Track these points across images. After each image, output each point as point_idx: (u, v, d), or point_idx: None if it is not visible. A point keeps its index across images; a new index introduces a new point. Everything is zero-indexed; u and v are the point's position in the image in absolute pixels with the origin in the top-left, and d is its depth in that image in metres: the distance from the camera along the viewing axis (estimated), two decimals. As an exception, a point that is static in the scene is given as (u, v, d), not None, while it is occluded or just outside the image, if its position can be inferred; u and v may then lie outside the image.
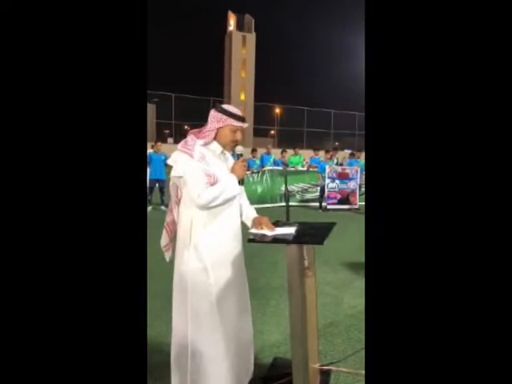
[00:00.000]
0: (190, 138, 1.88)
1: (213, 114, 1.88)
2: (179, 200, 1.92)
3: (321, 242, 1.71)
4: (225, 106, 1.91)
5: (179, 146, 1.87)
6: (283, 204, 9.08)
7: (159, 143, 8.91)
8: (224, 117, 1.86)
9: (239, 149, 1.99)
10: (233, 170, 1.90)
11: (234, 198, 1.90)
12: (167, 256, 2.06)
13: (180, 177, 1.84)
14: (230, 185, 1.84)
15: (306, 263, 1.86)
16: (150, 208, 8.41)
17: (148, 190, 8.51)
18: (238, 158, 1.97)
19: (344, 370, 2.28)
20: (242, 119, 1.90)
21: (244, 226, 2.03)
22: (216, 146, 1.92)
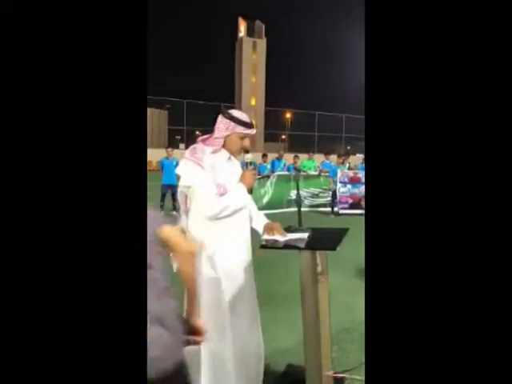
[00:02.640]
0: (199, 146, 1.86)
1: (220, 120, 1.86)
2: (187, 209, 1.89)
3: (334, 248, 1.69)
4: (232, 112, 1.88)
5: (187, 153, 1.84)
6: (291, 209, 9.03)
7: (170, 149, 8.98)
8: (232, 124, 1.83)
9: (248, 157, 1.96)
10: (242, 179, 1.88)
11: (243, 207, 1.88)
12: (175, 266, 2.01)
13: (189, 187, 1.82)
14: (239, 195, 1.82)
15: (319, 269, 1.84)
16: (162, 213, 8.47)
17: (160, 196, 8.58)
18: (247, 167, 1.94)
19: (358, 377, 2.24)
20: (249, 125, 1.87)
21: (254, 232, 2.01)
22: (224, 154, 1.90)
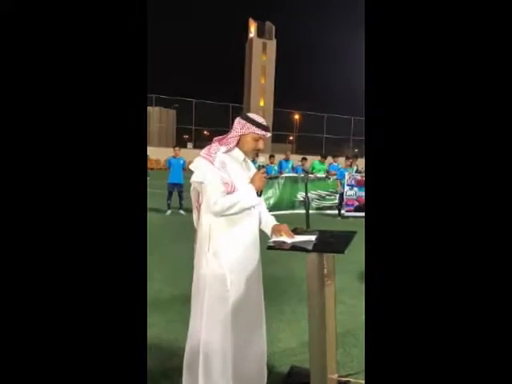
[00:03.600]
0: (214, 145, 1.91)
1: (237, 121, 1.92)
2: (199, 205, 1.94)
3: (342, 251, 1.68)
4: (250, 115, 1.94)
5: (202, 152, 1.90)
6: (298, 211, 9.02)
7: (177, 148, 9.02)
8: (248, 124, 1.88)
9: (261, 160, 2.02)
10: (252, 181, 1.91)
11: (251, 207, 1.90)
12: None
13: (201, 182, 1.86)
14: (247, 195, 1.85)
15: (326, 271, 1.84)
16: (169, 212, 8.49)
17: (167, 195, 8.61)
18: (258, 169, 1.98)
19: (362, 382, 2.23)
20: (265, 128, 1.91)
21: (262, 234, 2.02)
22: (238, 153, 1.93)
